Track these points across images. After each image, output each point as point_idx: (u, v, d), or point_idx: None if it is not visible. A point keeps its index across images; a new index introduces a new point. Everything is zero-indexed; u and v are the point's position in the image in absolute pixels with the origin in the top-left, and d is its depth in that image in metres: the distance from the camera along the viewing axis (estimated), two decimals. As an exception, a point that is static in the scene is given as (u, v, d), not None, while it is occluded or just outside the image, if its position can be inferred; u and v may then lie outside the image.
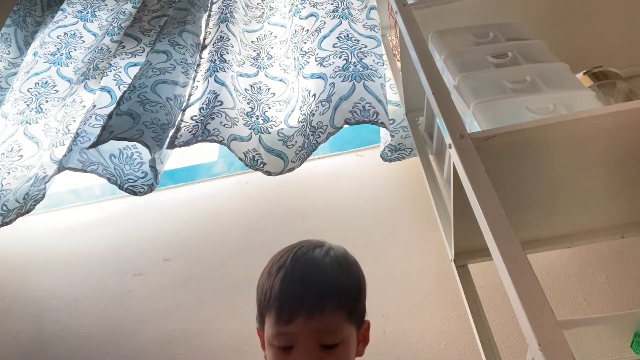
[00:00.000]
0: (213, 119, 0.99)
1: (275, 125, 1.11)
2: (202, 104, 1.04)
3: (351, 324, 0.57)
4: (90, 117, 1.09)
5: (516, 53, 0.74)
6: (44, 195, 1.03)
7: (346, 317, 0.56)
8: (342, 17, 1.17)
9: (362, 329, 0.61)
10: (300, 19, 1.23)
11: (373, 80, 1.02)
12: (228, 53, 1.16)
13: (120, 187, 1.06)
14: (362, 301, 0.61)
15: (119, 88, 1.18)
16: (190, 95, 1.11)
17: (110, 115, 1.02)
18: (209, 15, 1.33)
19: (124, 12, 1.49)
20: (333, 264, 0.58)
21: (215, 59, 1.13)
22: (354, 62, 1.05)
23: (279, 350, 0.54)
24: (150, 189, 1.08)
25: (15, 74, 1.47)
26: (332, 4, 1.21)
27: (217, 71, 1.10)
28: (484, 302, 0.74)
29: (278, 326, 0.54)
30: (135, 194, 1.06)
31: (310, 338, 0.53)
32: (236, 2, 1.33)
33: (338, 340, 0.54)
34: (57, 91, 1.32)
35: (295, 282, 0.55)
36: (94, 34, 1.48)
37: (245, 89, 1.16)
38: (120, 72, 1.22)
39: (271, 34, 1.33)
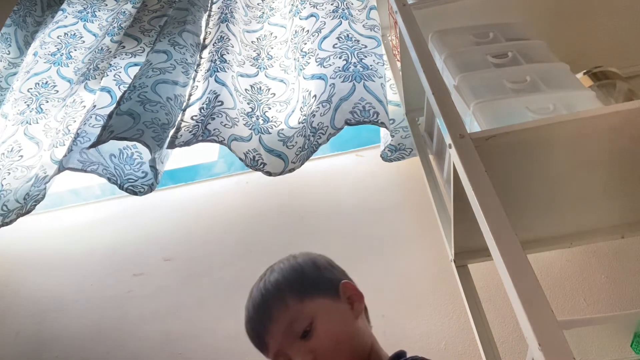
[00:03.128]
0: (213, 119, 0.99)
1: (275, 126, 1.11)
2: (203, 104, 1.04)
3: (312, 298, 0.58)
4: (91, 117, 1.09)
5: (516, 53, 0.74)
6: (44, 196, 1.03)
7: (297, 298, 0.58)
8: (342, 18, 1.17)
9: (343, 292, 0.62)
10: (300, 19, 1.23)
11: (373, 81, 1.02)
12: (228, 53, 1.16)
13: (121, 187, 1.06)
14: (313, 275, 0.62)
15: (119, 88, 1.18)
16: (190, 95, 1.11)
17: (110, 115, 1.02)
18: (209, 15, 1.33)
19: (124, 12, 1.49)
20: (269, 279, 0.62)
21: (215, 59, 1.13)
22: (354, 63, 1.05)
23: None
24: (151, 188, 1.08)
25: (15, 74, 1.47)
26: (332, 4, 1.21)
27: (218, 71, 1.10)
28: (484, 302, 0.74)
29: (269, 355, 0.59)
30: (135, 193, 1.06)
31: (288, 341, 0.56)
32: (236, 2, 1.33)
33: (307, 321, 0.56)
34: (57, 91, 1.32)
35: (248, 322, 0.61)
36: (94, 34, 1.47)
37: (246, 89, 1.16)
38: (120, 72, 1.22)
39: (271, 34, 1.33)
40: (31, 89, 1.31)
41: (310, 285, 0.60)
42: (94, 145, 0.98)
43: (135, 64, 1.26)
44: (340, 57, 1.07)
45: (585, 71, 0.78)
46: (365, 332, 0.61)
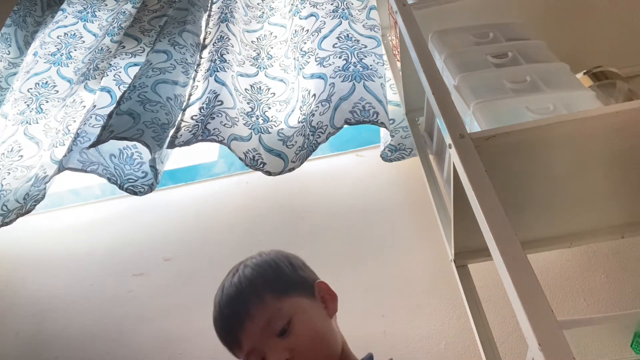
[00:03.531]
0: (213, 118, 0.99)
1: (275, 125, 1.11)
2: (202, 104, 1.04)
3: (289, 296, 0.58)
4: (91, 117, 1.09)
5: (516, 53, 0.74)
6: (44, 196, 1.03)
7: (275, 295, 0.58)
8: (342, 17, 1.17)
9: (317, 291, 0.62)
10: (300, 19, 1.23)
11: (373, 80, 1.02)
12: (228, 53, 1.16)
13: (121, 187, 1.06)
14: (289, 272, 0.62)
15: (119, 88, 1.18)
16: (190, 95, 1.11)
17: (110, 115, 1.02)
18: (209, 15, 1.33)
19: (124, 12, 1.49)
20: (242, 274, 0.61)
21: (215, 59, 1.13)
22: (354, 62, 1.05)
23: None
24: (151, 188, 1.08)
25: (15, 74, 1.47)
26: (332, 4, 1.21)
27: (217, 71, 1.10)
28: (484, 302, 0.74)
29: (239, 356, 0.58)
30: (135, 193, 1.06)
31: (264, 339, 0.56)
32: (236, 2, 1.33)
33: (285, 319, 0.56)
34: (57, 91, 1.32)
35: (220, 318, 0.60)
36: (94, 34, 1.48)
37: (246, 89, 1.16)
38: (120, 72, 1.22)
39: (271, 34, 1.33)
40: (31, 89, 1.31)
41: (287, 283, 0.60)
42: (94, 145, 0.98)
43: (135, 64, 1.26)
44: (340, 57, 1.07)
45: (585, 71, 0.78)
46: (338, 332, 0.62)
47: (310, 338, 0.56)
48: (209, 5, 1.37)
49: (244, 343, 0.57)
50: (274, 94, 1.19)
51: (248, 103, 1.12)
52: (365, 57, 1.08)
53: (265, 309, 0.56)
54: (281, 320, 0.56)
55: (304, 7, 1.25)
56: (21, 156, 1.18)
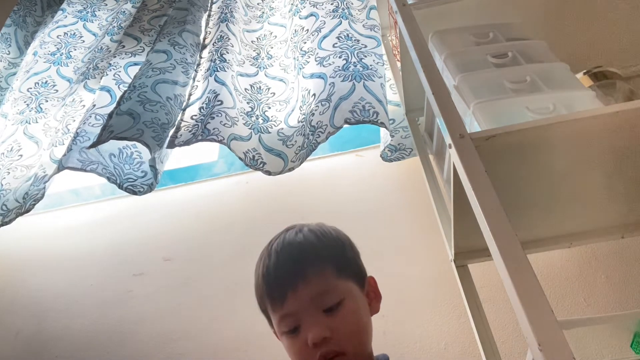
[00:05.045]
0: (213, 118, 0.99)
1: (275, 125, 1.11)
2: (202, 104, 1.04)
3: (346, 279, 0.57)
4: (90, 116, 1.09)
5: (516, 53, 0.74)
6: (43, 195, 1.03)
7: (335, 272, 0.56)
8: (342, 17, 1.17)
9: (367, 285, 0.61)
10: (300, 18, 1.23)
11: (373, 80, 1.02)
12: (228, 53, 1.16)
13: (120, 187, 1.06)
14: (351, 256, 0.61)
15: (118, 88, 1.18)
16: (190, 94, 1.11)
17: (110, 115, 1.02)
18: (209, 15, 1.33)
19: (124, 11, 1.49)
20: (306, 235, 0.59)
21: (215, 59, 1.13)
22: (354, 62, 1.05)
23: (290, 335, 0.55)
24: (150, 188, 1.08)
25: (15, 73, 1.47)
26: (332, 4, 1.21)
27: (217, 71, 1.10)
28: (484, 302, 0.74)
29: (276, 313, 0.55)
30: (135, 193, 1.06)
31: (310, 308, 0.54)
32: (236, 2, 1.33)
33: (337, 299, 0.54)
34: (57, 91, 1.32)
35: (275, 267, 0.56)
36: (94, 34, 1.47)
37: (245, 89, 1.16)
38: (120, 71, 1.22)
39: (271, 33, 1.33)
40: (31, 88, 1.31)
41: (349, 266, 0.59)
42: (94, 145, 0.98)
43: (135, 64, 1.26)
44: (340, 57, 1.07)
45: (585, 71, 0.78)
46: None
47: (354, 327, 0.55)
48: (209, 5, 1.37)
49: (288, 303, 0.54)
50: (274, 93, 1.18)
51: (248, 103, 1.12)
52: (365, 57, 1.08)
53: (324, 280, 0.55)
54: (334, 298, 0.54)
55: (304, 7, 1.25)
56: (21, 155, 1.18)
